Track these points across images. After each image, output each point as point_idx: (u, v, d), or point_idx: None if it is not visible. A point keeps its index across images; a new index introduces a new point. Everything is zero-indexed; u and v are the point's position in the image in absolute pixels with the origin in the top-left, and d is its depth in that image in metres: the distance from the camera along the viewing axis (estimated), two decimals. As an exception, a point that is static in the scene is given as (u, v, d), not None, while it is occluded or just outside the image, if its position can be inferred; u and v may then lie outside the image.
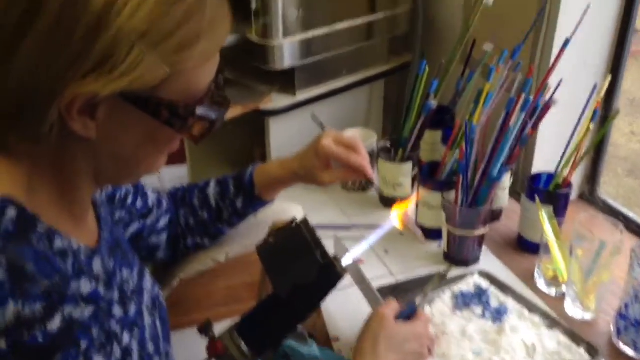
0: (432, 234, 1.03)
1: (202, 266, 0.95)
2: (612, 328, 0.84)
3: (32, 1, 0.49)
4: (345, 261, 0.78)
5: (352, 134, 1.22)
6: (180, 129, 0.58)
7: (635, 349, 0.80)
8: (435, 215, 1.00)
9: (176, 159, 1.37)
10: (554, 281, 0.91)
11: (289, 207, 1.04)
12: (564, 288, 0.90)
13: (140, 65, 0.52)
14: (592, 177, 1.17)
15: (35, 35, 0.50)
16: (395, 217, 0.77)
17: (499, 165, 0.93)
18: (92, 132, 0.55)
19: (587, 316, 0.86)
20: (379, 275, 0.97)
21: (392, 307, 0.75)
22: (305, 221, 0.86)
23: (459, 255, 0.97)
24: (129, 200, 0.86)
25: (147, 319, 0.69)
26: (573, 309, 0.87)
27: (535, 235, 0.97)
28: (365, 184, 1.21)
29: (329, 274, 0.72)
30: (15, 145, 0.56)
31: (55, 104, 0.51)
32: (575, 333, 0.79)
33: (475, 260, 0.98)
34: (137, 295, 0.71)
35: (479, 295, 0.84)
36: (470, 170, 0.95)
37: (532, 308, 0.84)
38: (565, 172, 0.97)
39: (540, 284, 0.93)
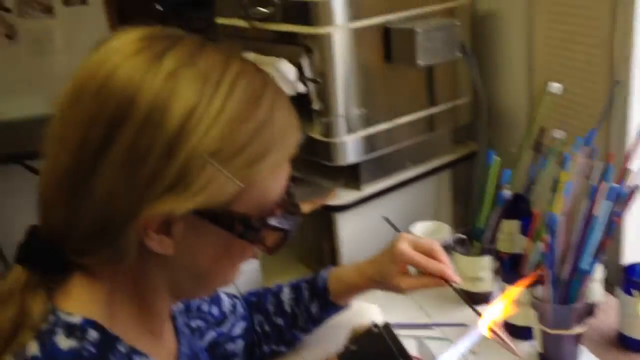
0: (521, 333, 0.97)
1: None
2: None
3: (109, 127, 0.51)
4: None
5: (425, 228, 1.19)
6: (255, 241, 0.57)
7: None
8: (522, 312, 0.94)
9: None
10: (668, 385, 0.83)
11: (366, 307, 1.00)
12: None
13: (213, 183, 0.52)
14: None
15: (111, 159, 0.51)
16: (484, 326, 0.72)
17: (589, 257, 0.88)
18: (168, 248, 0.54)
19: None
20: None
21: None
22: (386, 326, 0.82)
23: (556, 357, 0.90)
24: (204, 308, 0.85)
25: None
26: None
27: (637, 331, 0.90)
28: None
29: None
30: (95, 265, 0.56)
31: (132, 225, 0.51)
32: None
33: (574, 361, 0.91)
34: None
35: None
36: (557, 263, 0.90)
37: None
38: (663, 263, 0.91)
39: (651, 387, 0.85)
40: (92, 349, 0.53)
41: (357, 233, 1.25)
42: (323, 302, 0.91)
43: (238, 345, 0.90)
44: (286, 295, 0.93)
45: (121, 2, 2.53)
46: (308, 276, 0.94)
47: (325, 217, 1.26)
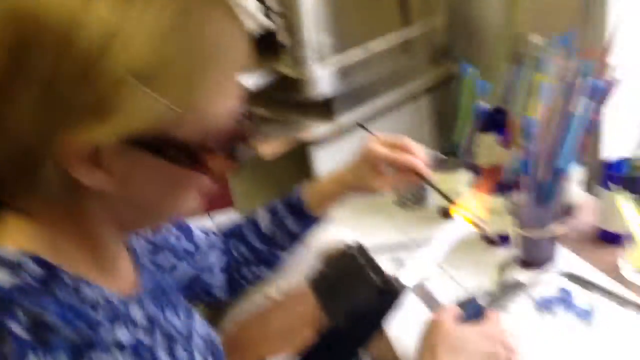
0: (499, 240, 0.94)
1: (254, 305, 0.90)
2: None
3: (12, 51, 0.46)
4: (407, 280, 0.71)
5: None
6: (198, 169, 0.52)
7: None
8: (499, 220, 0.91)
9: (223, 203, 1.34)
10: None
11: (340, 233, 0.97)
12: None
13: (140, 107, 0.47)
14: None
15: (20, 86, 0.46)
16: (460, 220, 0.70)
17: (566, 155, 0.84)
18: (103, 182, 0.50)
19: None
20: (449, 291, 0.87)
21: (447, 312, 0.68)
22: (358, 246, 0.80)
23: (533, 258, 0.87)
24: (172, 242, 0.83)
25: None
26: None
27: (616, 225, 0.87)
28: (421, 196, 1.13)
29: (389, 296, 0.67)
30: (28, 205, 0.52)
31: (50, 154, 0.47)
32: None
33: (550, 260, 0.88)
34: (187, 340, 0.66)
35: (563, 297, 0.75)
36: (535, 166, 0.87)
37: (623, 302, 0.74)
38: (642, 154, 0.87)
39: (627, 273, 0.82)
40: (30, 281, 0.50)
41: (335, 166, 1.22)
42: (299, 215, 0.88)
43: (216, 275, 0.88)
44: (261, 216, 0.90)
45: None
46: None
47: (303, 154, 1.23)
